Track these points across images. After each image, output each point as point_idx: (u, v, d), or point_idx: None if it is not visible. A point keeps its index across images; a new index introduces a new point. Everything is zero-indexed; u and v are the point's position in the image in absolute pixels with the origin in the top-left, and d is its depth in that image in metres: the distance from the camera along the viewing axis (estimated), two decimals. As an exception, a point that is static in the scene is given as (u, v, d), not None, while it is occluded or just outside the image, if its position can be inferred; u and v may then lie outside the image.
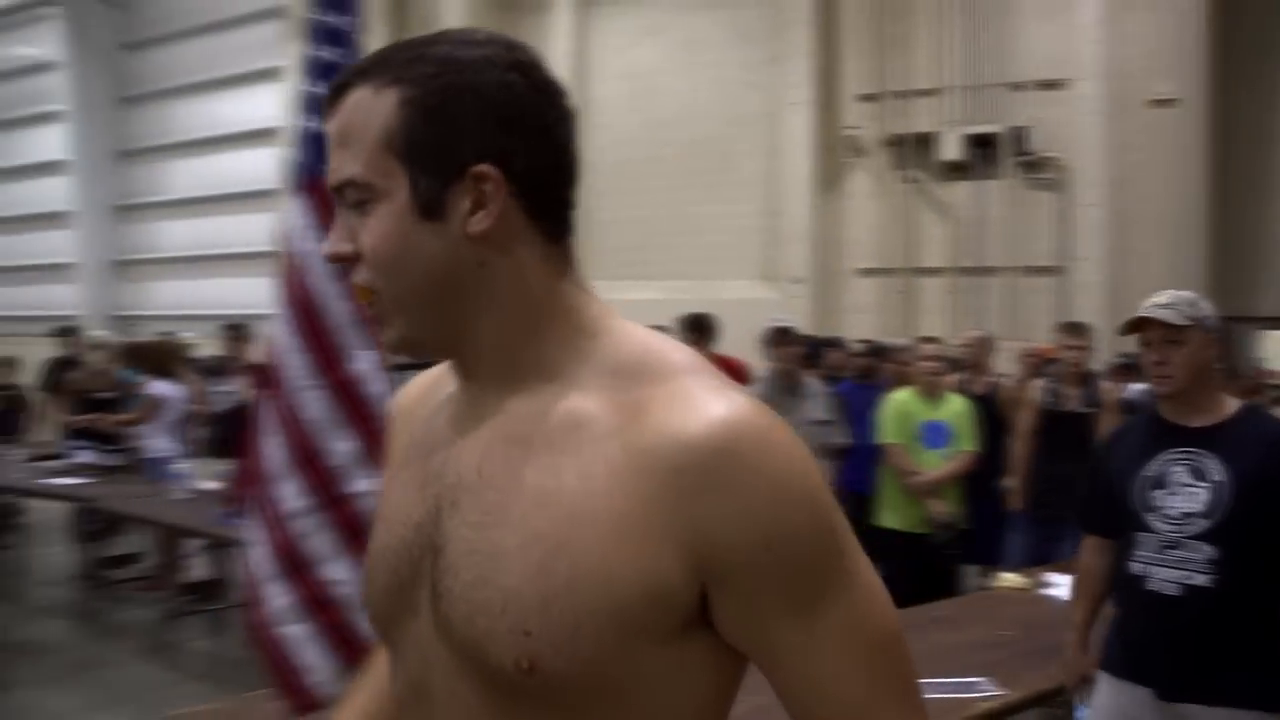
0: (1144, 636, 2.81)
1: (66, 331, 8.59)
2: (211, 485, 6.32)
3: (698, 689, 0.91)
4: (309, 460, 2.68)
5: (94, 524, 7.05)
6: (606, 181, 11.68)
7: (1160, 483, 2.76)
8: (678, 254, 11.46)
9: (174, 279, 15.92)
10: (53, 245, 16.79)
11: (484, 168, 0.91)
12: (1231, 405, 2.80)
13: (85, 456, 7.16)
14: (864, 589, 0.91)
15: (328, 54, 2.78)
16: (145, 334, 10.20)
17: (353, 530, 2.70)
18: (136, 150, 16.65)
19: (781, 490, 0.86)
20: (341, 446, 2.71)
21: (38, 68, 17.16)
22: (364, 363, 2.76)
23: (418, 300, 0.95)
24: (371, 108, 0.92)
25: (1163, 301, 2.76)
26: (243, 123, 14.98)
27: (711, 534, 0.85)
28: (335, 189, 0.95)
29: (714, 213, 11.49)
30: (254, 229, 14.63)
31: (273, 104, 14.35)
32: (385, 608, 1.01)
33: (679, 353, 0.96)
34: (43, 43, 17.02)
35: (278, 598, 2.67)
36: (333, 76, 2.48)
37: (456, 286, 0.94)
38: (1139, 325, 2.79)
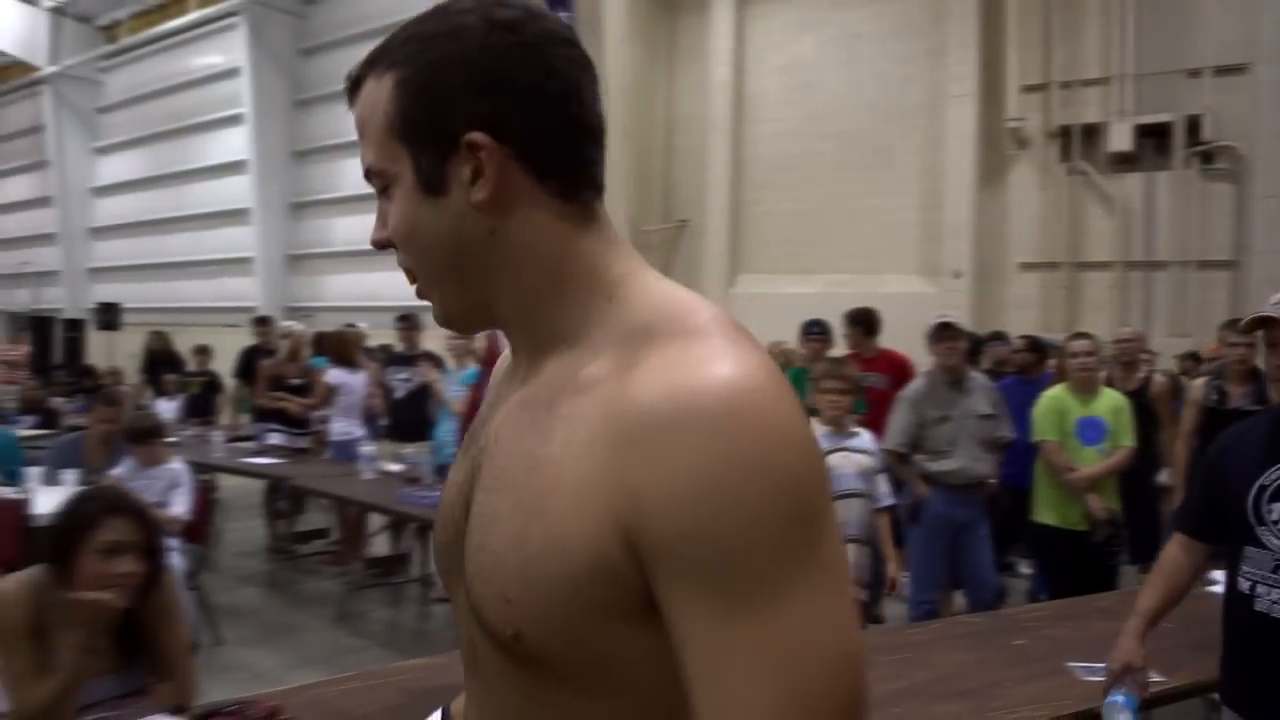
0: (1248, 663, 2.57)
1: (261, 321, 9.17)
2: (393, 467, 6.71)
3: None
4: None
5: (283, 501, 7.56)
6: (765, 175, 11.76)
7: (1278, 495, 2.49)
8: (837, 248, 11.46)
9: (344, 272, 16.68)
10: (236, 240, 17.77)
11: (475, 136, 0.88)
12: None
13: (275, 438, 7.67)
14: (804, 613, 0.75)
15: None
16: (324, 325, 10.77)
17: None
18: (310, 150, 17.50)
19: (722, 476, 0.75)
20: None
21: (223, 74, 18.18)
22: None
23: (441, 275, 0.95)
24: (376, 96, 0.92)
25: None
26: (412, 122, 15.61)
27: (642, 510, 0.77)
28: (367, 180, 0.95)
29: (874, 206, 11.44)
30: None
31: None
32: (442, 566, 1.02)
33: (694, 315, 0.87)
34: (228, 51, 18.02)
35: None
36: None
37: (472, 257, 0.93)
38: (1261, 324, 2.56)
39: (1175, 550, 2.76)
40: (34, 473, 5.58)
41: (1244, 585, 2.52)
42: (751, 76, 12.43)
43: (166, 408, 9.95)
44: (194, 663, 2.71)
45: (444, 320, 0.98)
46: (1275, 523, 2.48)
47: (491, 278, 0.94)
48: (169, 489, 5.14)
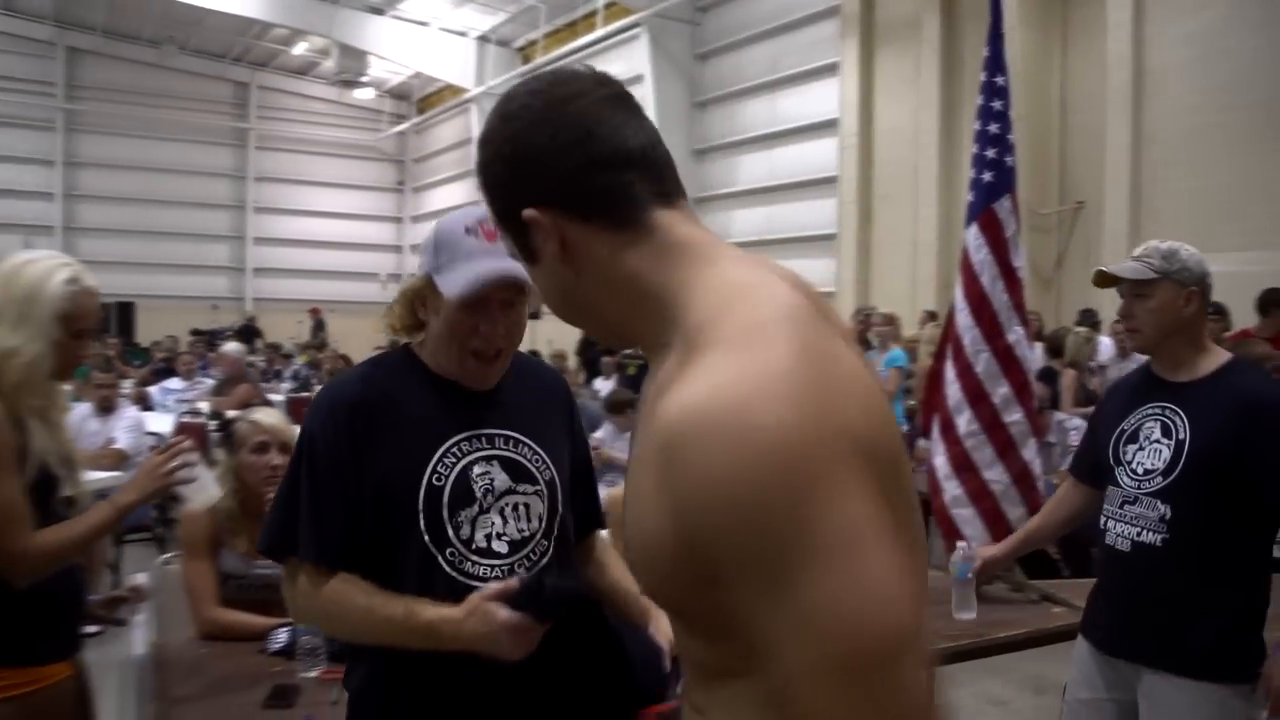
0: (1100, 591, 2.75)
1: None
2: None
3: None
4: (978, 399, 3.81)
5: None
6: (1168, 152, 11.53)
7: (1134, 437, 2.64)
8: (1250, 224, 11.06)
9: (742, 261, 17.82)
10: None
11: (528, 213, 1.06)
12: (1216, 361, 2.61)
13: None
14: (809, 595, 0.84)
15: (997, 104, 3.78)
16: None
17: (1006, 447, 3.77)
18: (710, 148, 18.76)
19: (716, 488, 0.87)
20: (1001, 391, 3.79)
21: (628, 82, 19.53)
22: (1015, 335, 3.81)
23: (568, 317, 1.16)
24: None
25: (1135, 254, 2.66)
26: (804, 117, 16.42)
27: (674, 509, 0.92)
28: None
29: (1295, 178, 10.90)
30: (816, 214, 16.09)
31: (831, 98, 15.65)
32: None
33: (726, 321, 0.97)
34: (631, 60, 19.62)
35: (953, 490, 3.80)
36: (998, 128, 3.60)
37: (575, 300, 1.12)
38: (1106, 280, 2.68)
39: (1064, 488, 3.02)
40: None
41: (1100, 521, 2.70)
42: (1152, 49, 12.14)
43: (603, 387, 11.30)
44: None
45: (592, 346, 1.49)
46: (1128, 463, 2.63)
47: (595, 311, 1.12)
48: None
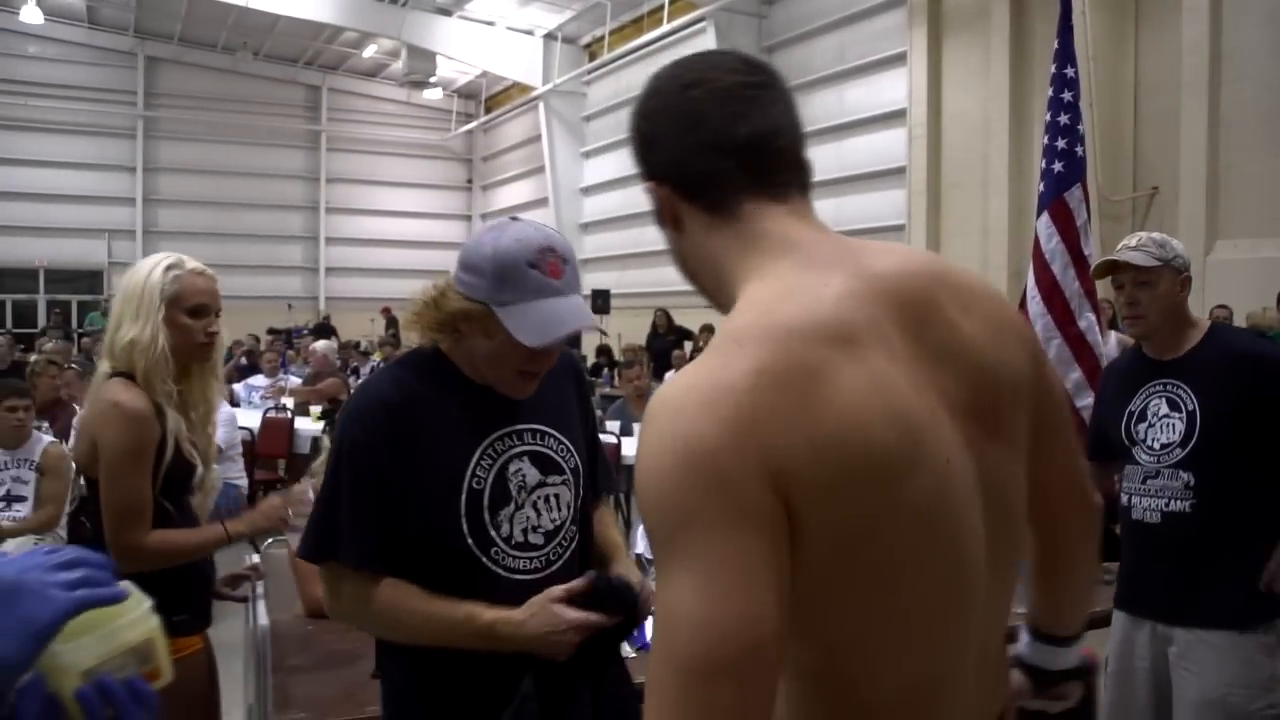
0: (1133, 564, 2.88)
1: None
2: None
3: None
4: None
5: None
6: (1246, 136, 11.33)
7: (1143, 416, 2.82)
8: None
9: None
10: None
11: (649, 185, 1.23)
12: (1199, 332, 2.81)
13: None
14: (667, 604, 0.97)
15: (1067, 95, 3.84)
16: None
17: (1078, 431, 3.83)
18: (778, 139, 18.76)
19: (640, 471, 1.02)
20: (1073, 376, 3.86)
21: (695, 76, 19.90)
22: (1086, 322, 3.86)
23: (689, 281, 1.28)
24: None
25: (1132, 244, 2.80)
26: (873, 107, 16.33)
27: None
28: None
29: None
30: (884, 205, 16.02)
31: (900, 87, 15.56)
32: None
33: (735, 323, 1.10)
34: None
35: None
36: (1068, 119, 3.67)
37: (689, 268, 1.26)
38: (1110, 269, 2.83)
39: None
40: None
41: (1124, 500, 2.86)
42: (1230, 32, 11.93)
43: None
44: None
45: None
46: (1142, 440, 2.80)
47: (699, 279, 1.26)
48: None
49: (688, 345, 13.51)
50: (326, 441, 3.48)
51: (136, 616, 1.09)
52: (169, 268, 2.53)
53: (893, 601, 1.07)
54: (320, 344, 10.82)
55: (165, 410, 2.46)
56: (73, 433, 4.40)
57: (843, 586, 1.05)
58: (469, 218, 30.84)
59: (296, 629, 3.04)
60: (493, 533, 1.94)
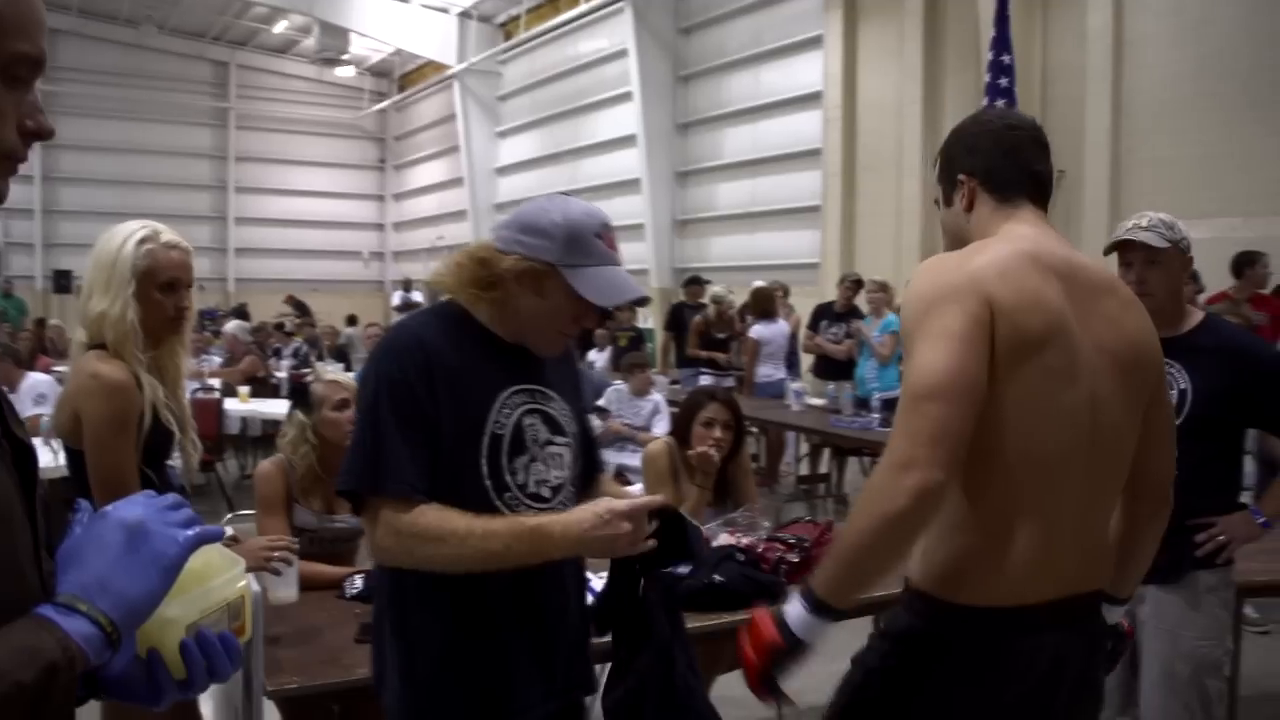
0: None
1: (692, 282, 10.55)
2: (816, 400, 7.78)
3: None
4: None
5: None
6: (1149, 122, 11.72)
7: None
8: (1230, 191, 11.28)
9: (728, 234, 17.97)
10: (627, 208, 19.44)
11: (962, 176, 2.03)
12: (1195, 316, 2.95)
13: (704, 380, 8.94)
14: (913, 361, 1.80)
15: (1004, 81, 3.95)
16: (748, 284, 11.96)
17: None
18: (694, 121, 18.84)
19: (910, 294, 1.91)
20: None
21: (611, 56, 19.89)
22: None
23: (951, 247, 2.01)
24: None
25: (1143, 224, 2.86)
26: (788, 90, 16.52)
27: None
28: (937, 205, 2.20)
29: (1275, 146, 11.09)
30: (799, 186, 16.24)
31: (815, 70, 15.75)
32: None
33: (984, 244, 1.94)
34: (614, 35, 19.69)
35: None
36: (1004, 104, 3.84)
37: (962, 236, 2.03)
38: (1120, 247, 2.91)
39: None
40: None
41: None
42: (1132, 21, 12.33)
43: (597, 358, 11.49)
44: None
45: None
46: None
47: (958, 237, 2.04)
48: (652, 415, 6.45)
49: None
50: (299, 416, 3.48)
51: (233, 575, 1.15)
52: (142, 240, 2.50)
53: (1033, 402, 1.77)
54: (230, 325, 10.76)
55: (141, 378, 2.44)
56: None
57: (1005, 381, 1.75)
58: (381, 198, 30.48)
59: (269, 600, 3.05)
60: (509, 478, 2.05)
